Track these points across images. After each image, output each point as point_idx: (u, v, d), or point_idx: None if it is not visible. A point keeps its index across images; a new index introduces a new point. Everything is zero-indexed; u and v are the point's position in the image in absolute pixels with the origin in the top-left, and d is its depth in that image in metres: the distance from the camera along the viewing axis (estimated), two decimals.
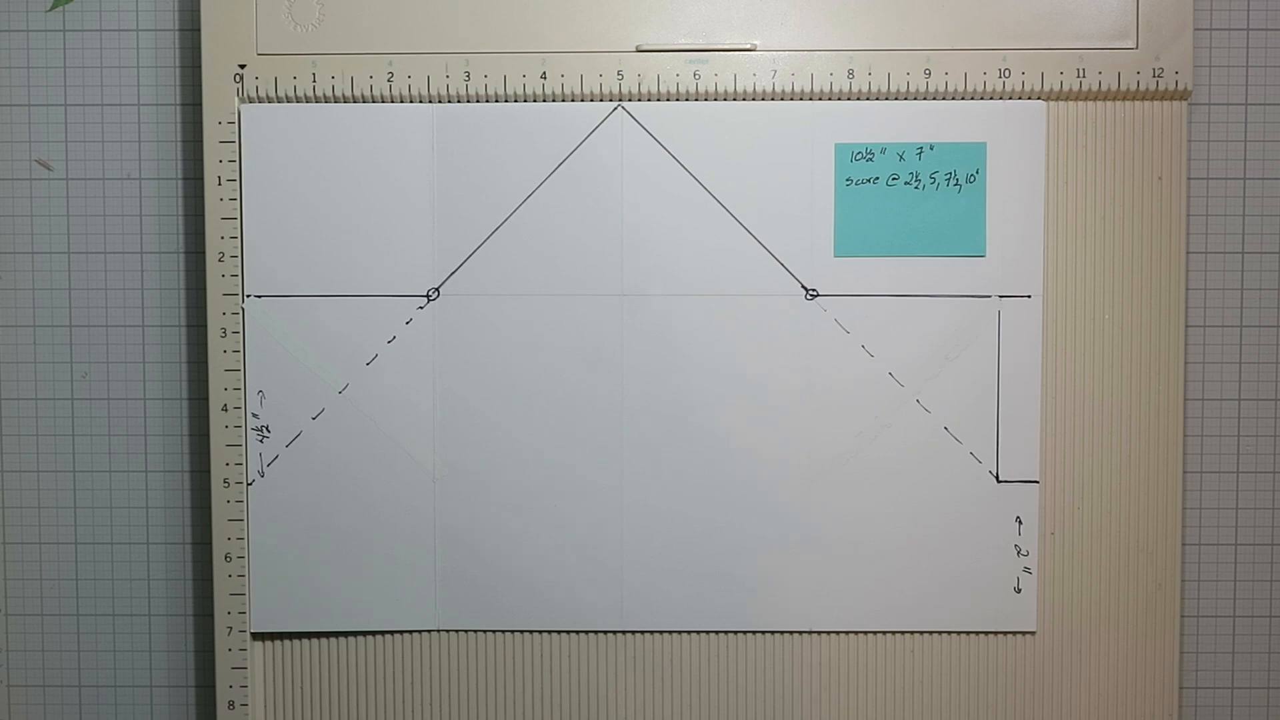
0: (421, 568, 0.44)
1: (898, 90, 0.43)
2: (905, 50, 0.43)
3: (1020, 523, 0.43)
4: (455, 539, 0.44)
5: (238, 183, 0.43)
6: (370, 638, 0.44)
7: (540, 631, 0.44)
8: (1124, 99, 0.43)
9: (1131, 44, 0.43)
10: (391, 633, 0.44)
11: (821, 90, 0.43)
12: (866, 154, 0.43)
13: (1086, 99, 0.43)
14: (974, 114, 0.43)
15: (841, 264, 0.43)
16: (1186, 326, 0.45)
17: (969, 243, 0.43)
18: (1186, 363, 0.45)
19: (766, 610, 0.44)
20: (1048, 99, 0.43)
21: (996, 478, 0.43)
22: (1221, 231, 0.45)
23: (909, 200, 0.43)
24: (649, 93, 0.43)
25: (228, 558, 0.44)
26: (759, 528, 0.43)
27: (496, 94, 0.43)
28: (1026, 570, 0.44)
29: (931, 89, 0.43)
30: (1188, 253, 0.45)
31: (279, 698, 0.44)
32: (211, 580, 0.44)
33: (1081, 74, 0.43)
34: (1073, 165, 0.43)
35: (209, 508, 0.44)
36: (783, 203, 0.43)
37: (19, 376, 0.46)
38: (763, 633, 0.44)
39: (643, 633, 0.44)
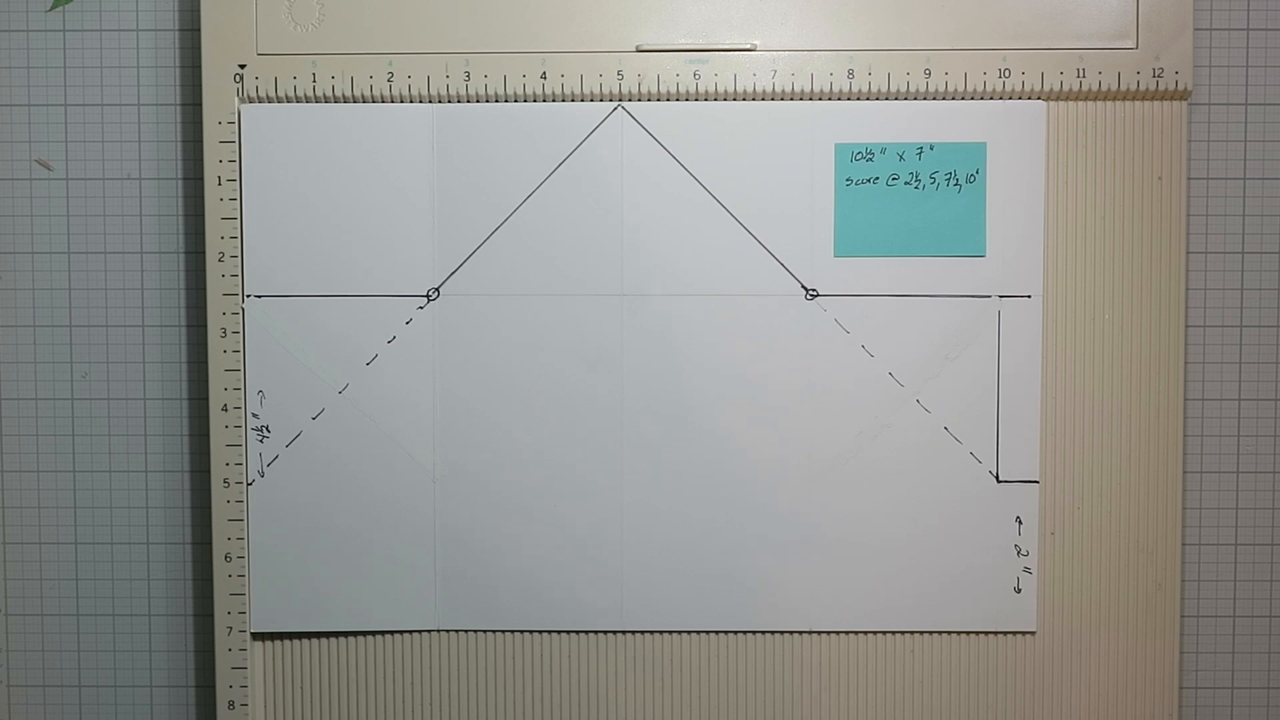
0: (421, 568, 0.44)
1: (898, 90, 0.43)
2: (905, 50, 0.43)
3: (1020, 523, 0.43)
4: (455, 539, 0.44)
5: (238, 183, 0.43)
6: (370, 638, 0.44)
7: (540, 631, 0.44)
8: (1124, 99, 0.43)
9: (1131, 44, 0.43)
10: (391, 633, 0.44)
11: (821, 90, 0.43)
12: (866, 154, 0.43)
13: (1086, 99, 0.43)
14: (974, 114, 0.43)
15: (841, 264, 0.43)
16: (1186, 326, 0.45)
17: (969, 243, 0.43)
18: (1186, 363, 0.45)
19: (766, 610, 0.44)
20: (1048, 99, 0.43)
21: (996, 478, 0.43)
22: (1221, 231, 0.45)
23: (909, 200, 0.43)
24: (649, 93, 0.43)
25: (228, 558, 0.44)
26: (759, 528, 0.43)
27: (496, 94, 0.43)
28: (1026, 570, 0.44)
29: (931, 89, 0.43)
30: (1188, 253, 0.45)
31: (279, 698, 0.44)
32: (211, 580, 0.44)
33: (1081, 74, 0.43)
34: (1073, 165, 0.43)
35: (209, 508, 0.44)
36: (783, 203, 0.43)
37: (19, 376, 0.46)
38: (763, 633, 0.44)
39: (643, 633, 0.44)
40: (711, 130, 0.43)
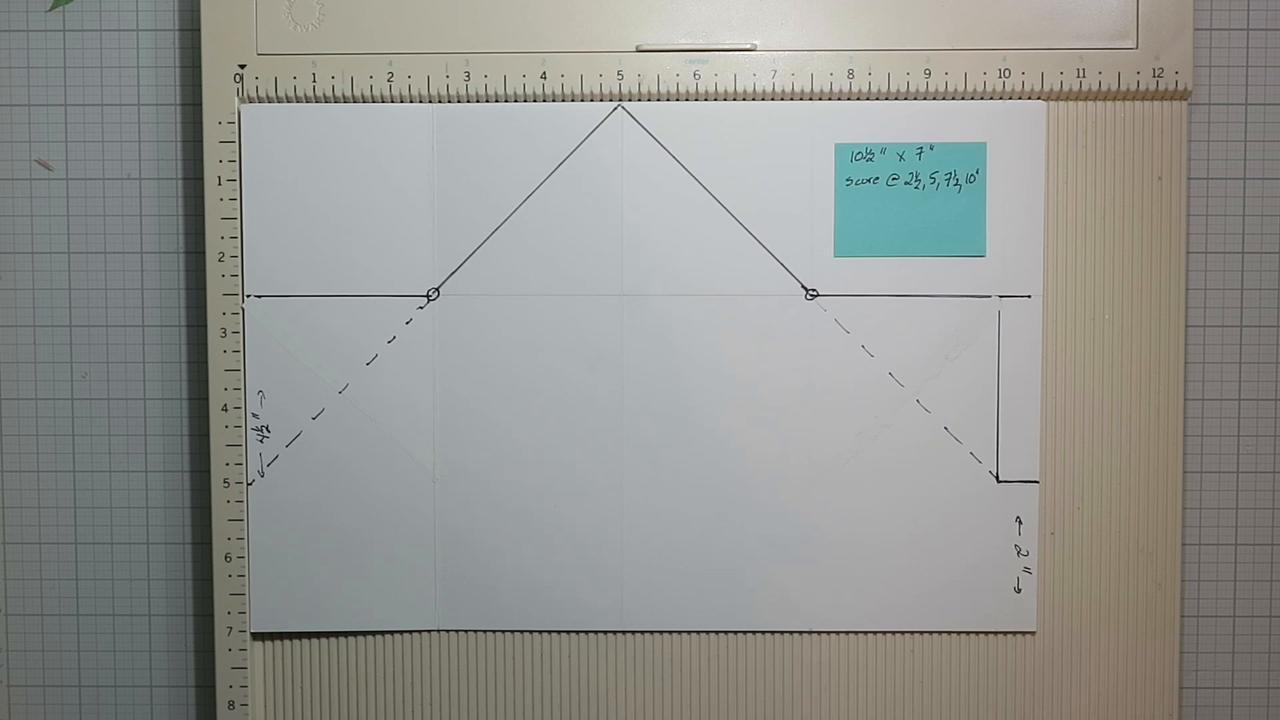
0: (421, 568, 0.44)
1: (898, 90, 0.43)
2: (905, 50, 0.43)
3: (1020, 523, 0.43)
4: (455, 539, 0.44)
5: (238, 183, 0.43)
6: (370, 638, 0.44)
7: (540, 631, 0.44)
8: (1124, 99, 0.43)
9: (1131, 44, 0.43)
10: (391, 633, 0.44)
11: (821, 90, 0.43)
12: (866, 154, 0.43)
13: (1086, 99, 0.43)
14: (974, 114, 0.43)
15: (841, 264, 0.43)
16: (1186, 326, 0.45)
17: (969, 243, 0.43)
18: (1186, 363, 0.45)
19: (766, 610, 0.44)
20: (1048, 99, 0.43)
21: (996, 478, 0.43)
22: (1221, 231, 0.45)
23: (909, 200, 0.43)
24: (649, 93, 0.43)
25: (228, 558, 0.44)
26: (759, 528, 0.43)
27: (496, 94, 0.43)
28: (1026, 570, 0.44)
29: (931, 89, 0.43)
30: (1188, 253, 0.45)
31: (279, 698, 0.44)
32: (211, 580, 0.44)
33: (1081, 74, 0.43)
34: (1073, 165, 0.43)
35: (209, 508, 0.44)
36: (783, 203, 0.43)
37: (19, 376, 0.46)
38: (763, 633, 0.44)
39: (643, 633, 0.44)
40: (711, 130, 0.43)
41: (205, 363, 0.44)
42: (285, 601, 0.44)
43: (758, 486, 0.43)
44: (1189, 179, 0.44)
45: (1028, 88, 0.43)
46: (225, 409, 0.43)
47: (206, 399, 0.45)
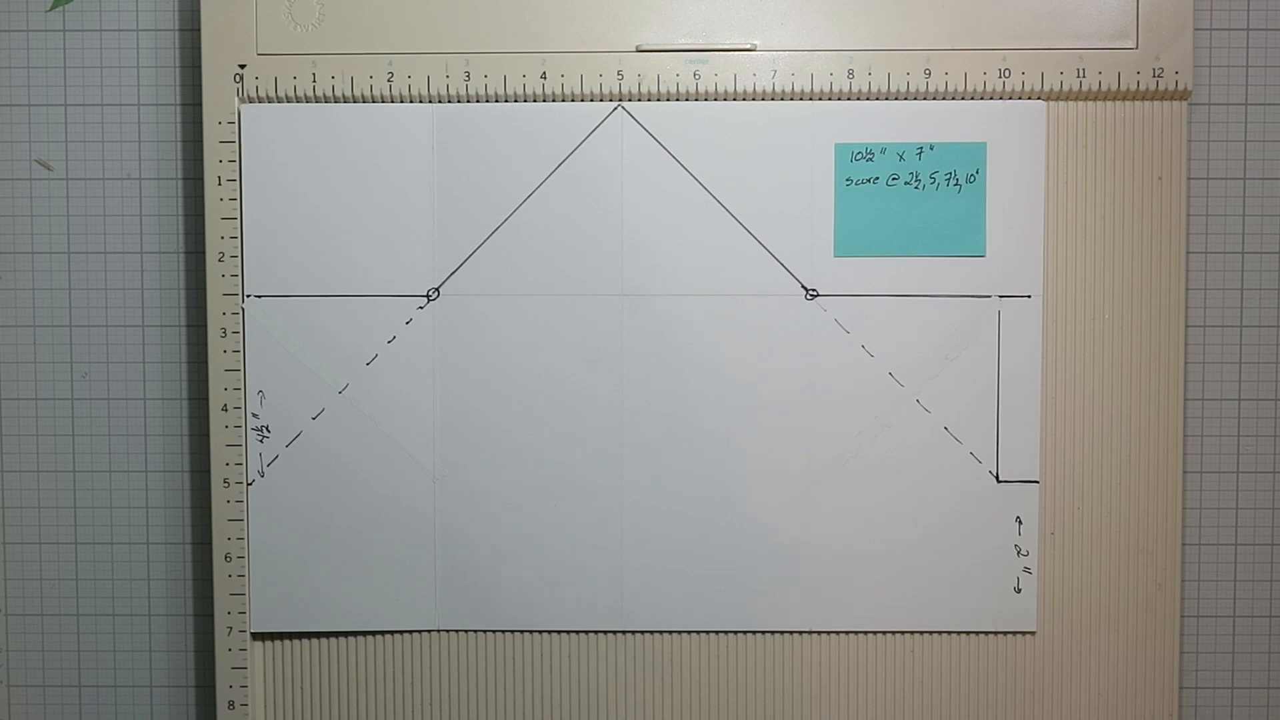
0: (421, 568, 0.44)
1: (898, 90, 0.43)
2: (905, 50, 0.43)
3: (1020, 523, 0.43)
4: (455, 539, 0.44)
5: (238, 183, 0.43)
6: (370, 638, 0.44)
7: (540, 631, 0.44)
8: (1124, 99, 0.43)
9: (1131, 44, 0.43)
10: (391, 633, 0.44)
11: (821, 90, 0.43)
12: (866, 154, 0.43)
13: (1086, 99, 0.43)
14: (974, 114, 0.43)
15: (841, 264, 0.43)
16: (1186, 326, 0.45)
17: (969, 243, 0.43)
18: (1186, 363, 0.45)
19: (766, 610, 0.44)
20: (1048, 99, 0.43)
21: (996, 478, 0.43)
22: (1221, 231, 0.45)
23: (909, 200, 0.43)
24: (649, 93, 0.43)
25: (228, 558, 0.44)
26: (759, 527, 0.43)
27: (496, 94, 0.43)
28: (1026, 570, 0.44)
29: (931, 89, 0.43)
30: (1188, 253, 0.45)
31: (279, 698, 0.44)
32: (211, 580, 0.44)
33: (1081, 74, 0.43)
34: (1073, 165, 0.43)
35: (209, 508, 0.44)
36: (783, 203, 0.43)
37: (19, 376, 0.46)
38: (763, 633, 0.44)
39: (643, 633, 0.44)
40: (711, 130, 0.43)
41: (205, 363, 0.44)
42: (285, 601, 0.44)
43: (758, 486, 0.43)
44: (1189, 179, 0.44)
45: (1028, 88, 0.43)
46: (225, 409, 0.43)
47: (206, 399, 0.45)
